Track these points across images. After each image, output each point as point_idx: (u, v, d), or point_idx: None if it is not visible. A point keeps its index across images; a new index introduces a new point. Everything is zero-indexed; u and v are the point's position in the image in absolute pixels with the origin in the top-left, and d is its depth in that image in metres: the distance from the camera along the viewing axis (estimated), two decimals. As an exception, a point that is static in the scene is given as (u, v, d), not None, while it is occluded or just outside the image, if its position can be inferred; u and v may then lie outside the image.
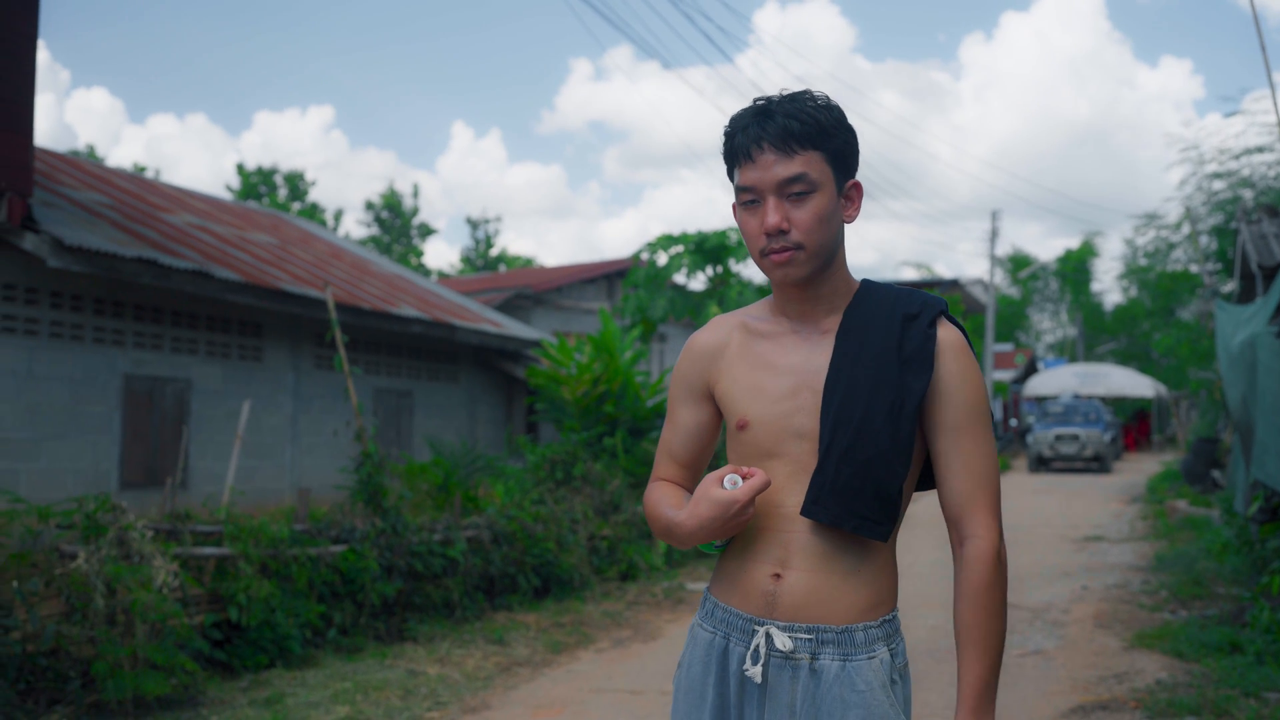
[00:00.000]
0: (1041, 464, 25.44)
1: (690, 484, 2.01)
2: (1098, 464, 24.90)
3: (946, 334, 1.84)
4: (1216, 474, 14.96)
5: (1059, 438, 24.95)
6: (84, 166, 13.57)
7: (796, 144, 1.77)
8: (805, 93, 1.82)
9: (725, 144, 1.87)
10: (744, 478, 1.77)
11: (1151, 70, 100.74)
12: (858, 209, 1.86)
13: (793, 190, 1.78)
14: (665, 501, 1.92)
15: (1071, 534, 12.49)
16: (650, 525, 1.96)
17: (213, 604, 5.92)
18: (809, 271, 1.81)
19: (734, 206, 1.89)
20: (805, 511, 1.79)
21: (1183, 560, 9.39)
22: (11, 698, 4.60)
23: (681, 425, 2.00)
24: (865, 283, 1.91)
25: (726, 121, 1.88)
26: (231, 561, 6.03)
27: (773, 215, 1.78)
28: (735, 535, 1.87)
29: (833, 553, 1.79)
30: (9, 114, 7.98)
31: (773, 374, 1.87)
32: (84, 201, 10.82)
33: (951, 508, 1.81)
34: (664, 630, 7.37)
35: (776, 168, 1.77)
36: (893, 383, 1.79)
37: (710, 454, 2.04)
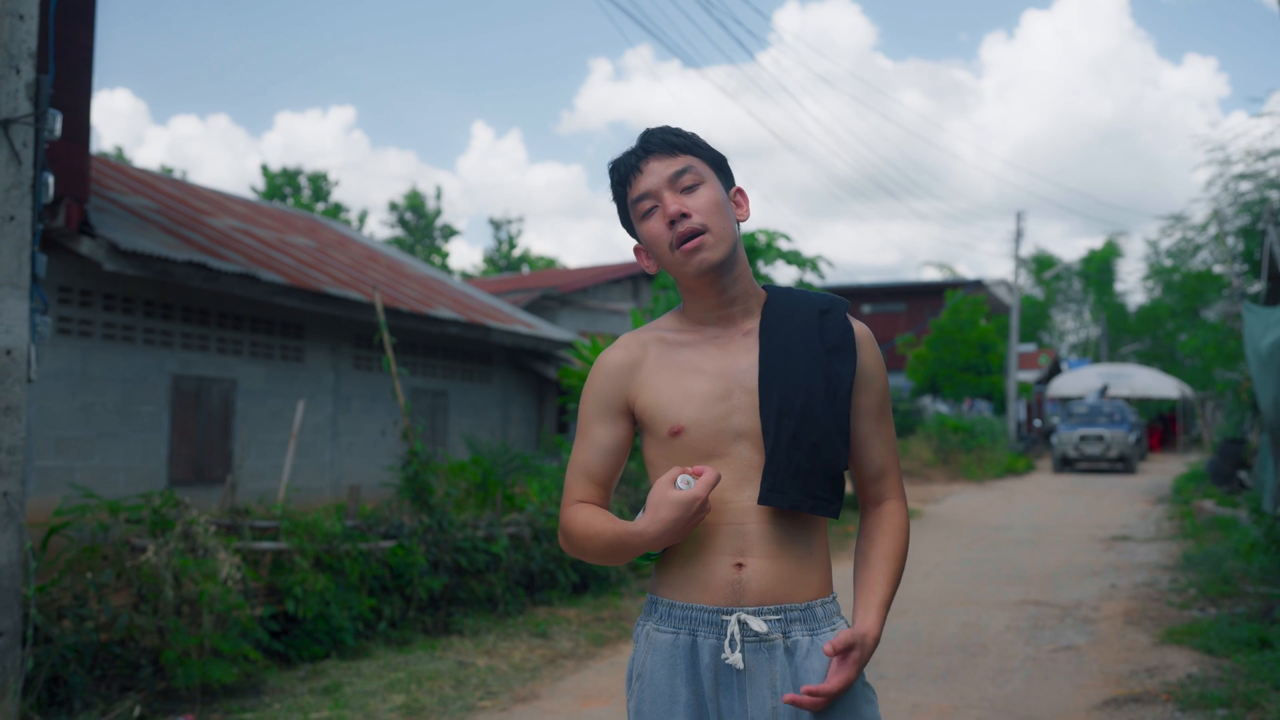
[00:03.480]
0: (1066, 464, 25.43)
1: (605, 504, 2.01)
2: (1122, 465, 24.89)
3: (859, 327, 2.01)
4: (1243, 475, 14.95)
5: (1084, 438, 24.93)
6: (128, 171, 13.88)
7: (677, 149, 1.96)
8: (674, 125, 2.03)
9: (613, 177, 2.02)
10: (694, 475, 1.81)
11: (1175, 68, 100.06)
12: (747, 211, 2.03)
13: (684, 183, 1.93)
14: (600, 519, 1.92)
15: (1098, 534, 12.58)
16: (580, 546, 1.95)
17: (269, 596, 6.14)
18: (720, 256, 1.91)
19: (636, 250, 2.05)
20: (764, 500, 1.87)
21: (1211, 559, 9.48)
22: (88, 683, 4.83)
23: (597, 443, 2.00)
24: (771, 287, 2.05)
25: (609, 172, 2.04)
26: (288, 556, 6.25)
27: (672, 204, 1.91)
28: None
29: (787, 539, 1.90)
30: (68, 123, 8.23)
31: (701, 378, 1.93)
32: (132, 206, 11.10)
33: (871, 478, 2.01)
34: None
35: (663, 168, 1.94)
36: (824, 370, 1.92)
37: (620, 472, 2.08)
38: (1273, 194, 14.72)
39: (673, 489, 1.79)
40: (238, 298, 10.80)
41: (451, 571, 7.31)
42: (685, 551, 1.93)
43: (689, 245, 1.91)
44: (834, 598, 1.98)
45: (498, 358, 15.56)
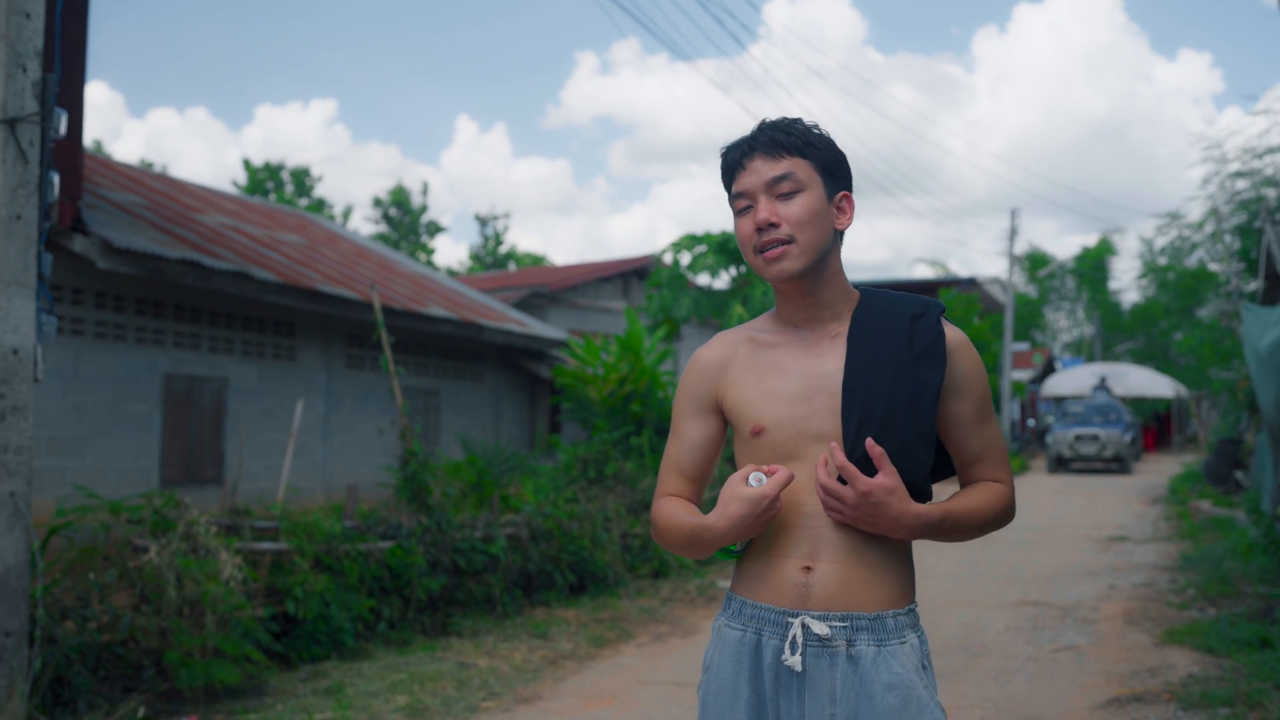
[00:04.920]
0: (1061, 464, 25.37)
1: (696, 497, 2.05)
2: (1118, 464, 24.82)
3: (953, 333, 1.96)
4: (1239, 475, 14.96)
5: (1079, 438, 24.86)
6: (116, 167, 13.79)
7: (784, 150, 1.93)
8: (796, 118, 2.00)
9: (722, 164, 2.01)
10: (766, 474, 1.84)
11: (1169, 64, 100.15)
12: (849, 218, 1.99)
13: (781, 189, 1.91)
14: (681, 512, 1.97)
15: (1095, 534, 12.61)
16: (665, 537, 2.00)
17: (269, 597, 6.10)
18: (800, 267, 1.91)
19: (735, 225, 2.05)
20: (825, 505, 1.88)
21: (1209, 560, 9.52)
22: (92, 684, 4.79)
23: (688, 439, 2.05)
24: (865, 290, 2.03)
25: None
26: (288, 556, 6.21)
27: (763, 211, 1.90)
28: (758, 538, 1.95)
29: (861, 545, 1.88)
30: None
31: (785, 379, 1.95)
32: (123, 203, 11.03)
33: (973, 474, 2.01)
34: (700, 626, 7.54)
35: (764, 170, 1.92)
36: (909, 377, 1.89)
37: (714, 467, 2.09)
38: (1269, 192, 14.77)
39: (743, 485, 1.83)
40: (230, 296, 10.74)
41: (450, 572, 7.28)
42: (759, 551, 1.95)
43: (770, 254, 1.92)
44: (910, 610, 1.93)
45: (490, 356, 15.52)
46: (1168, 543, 11.78)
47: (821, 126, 1.99)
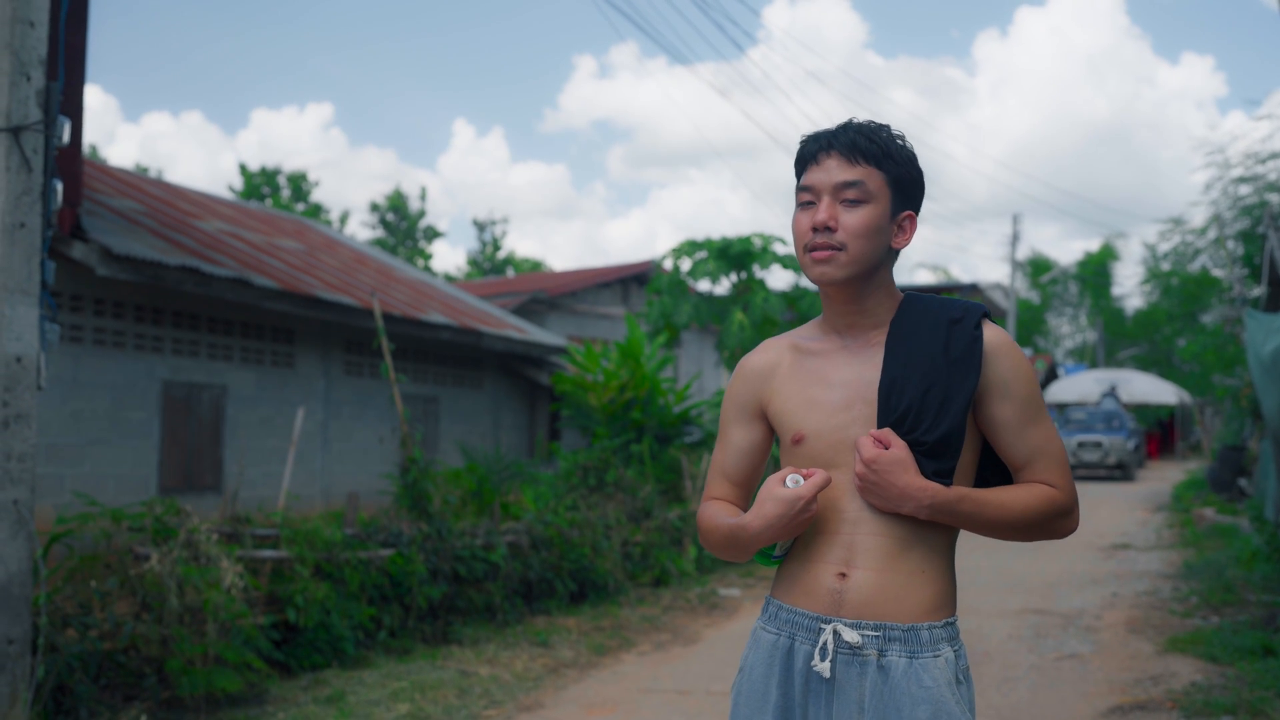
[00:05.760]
0: None
1: (742, 502, 2.08)
2: (1121, 472, 24.64)
3: (993, 335, 1.93)
4: (1243, 482, 14.88)
5: (1081, 445, 24.67)
6: (113, 173, 13.76)
7: (861, 156, 1.92)
8: (884, 125, 1.98)
9: (798, 151, 2.00)
10: (804, 477, 1.85)
11: (1172, 67, 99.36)
12: (908, 239, 1.96)
13: (847, 195, 1.90)
14: (723, 514, 2.01)
15: (1098, 542, 12.58)
16: (707, 539, 2.04)
17: (270, 605, 6.09)
18: (845, 275, 1.90)
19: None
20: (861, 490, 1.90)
21: (1212, 568, 9.51)
22: (94, 693, 4.77)
23: (734, 445, 2.09)
24: (908, 295, 2.02)
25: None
26: (288, 564, 6.20)
27: (823, 212, 1.90)
28: (796, 543, 1.97)
29: (897, 552, 1.87)
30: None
31: (826, 388, 1.96)
32: (121, 209, 11.01)
33: (1023, 475, 1.96)
34: (702, 634, 7.52)
35: (836, 171, 1.91)
36: (942, 383, 1.88)
37: (761, 473, 2.11)
38: (1272, 197, 14.68)
39: (780, 486, 1.85)
40: (229, 303, 10.72)
41: (450, 580, 7.27)
42: (796, 555, 1.97)
43: (818, 255, 1.92)
44: (947, 623, 1.91)
45: (489, 363, 15.50)
46: (1171, 550, 11.76)
47: (907, 139, 1.97)
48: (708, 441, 12.39)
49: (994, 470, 2.02)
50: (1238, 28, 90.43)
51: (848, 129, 1.95)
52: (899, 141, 1.96)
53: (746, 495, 2.09)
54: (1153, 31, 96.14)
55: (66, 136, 4.14)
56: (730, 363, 14.40)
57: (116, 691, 4.99)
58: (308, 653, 6.12)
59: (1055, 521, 1.96)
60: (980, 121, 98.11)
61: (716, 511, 2.03)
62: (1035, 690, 5.82)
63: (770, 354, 2.07)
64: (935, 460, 1.88)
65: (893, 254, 1.97)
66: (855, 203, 1.91)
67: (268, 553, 6.12)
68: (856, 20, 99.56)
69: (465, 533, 7.60)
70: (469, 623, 7.29)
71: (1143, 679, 6.02)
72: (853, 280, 1.93)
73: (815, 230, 1.91)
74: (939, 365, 1.90)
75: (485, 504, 9.61)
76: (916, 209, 1.99)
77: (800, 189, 1.97)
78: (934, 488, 1.86)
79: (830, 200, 1.91)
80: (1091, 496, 19.89)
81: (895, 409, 1.89)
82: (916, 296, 2.02)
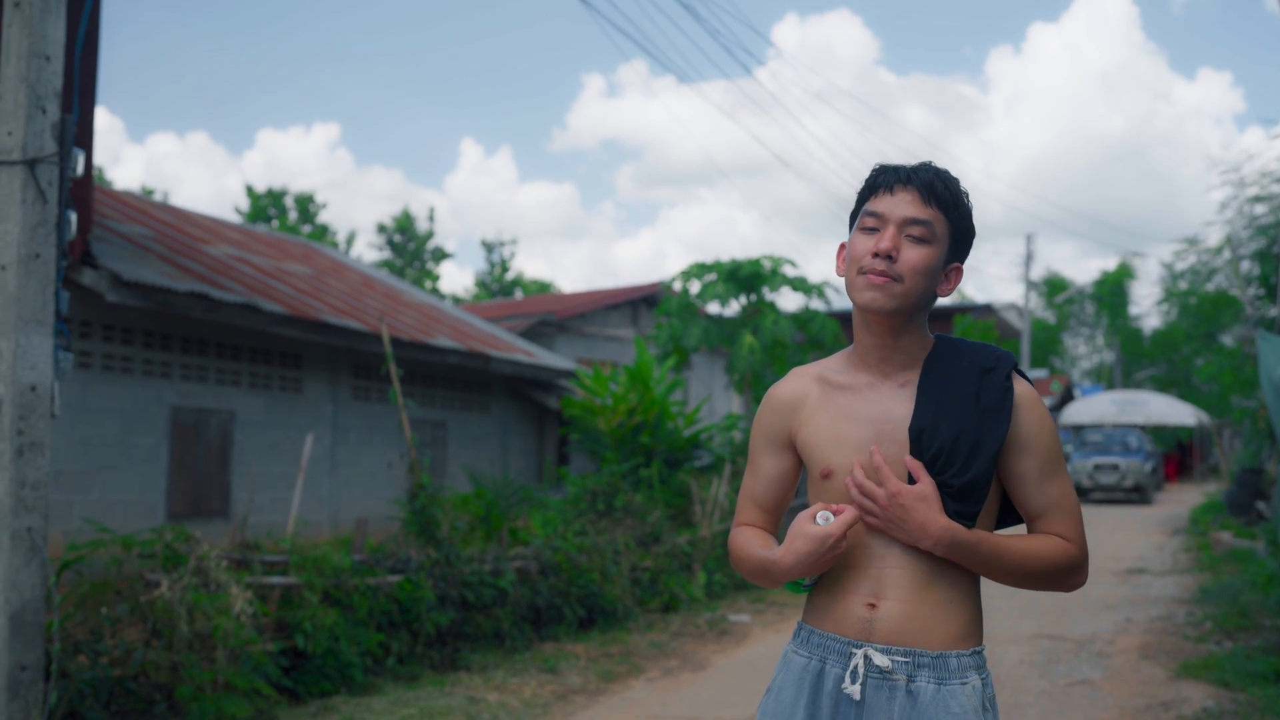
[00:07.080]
0: (1080, 494, 25.00)
1: (772, 528, 2.14)
2: (1138, 494, 24.42)
3: (1022, 389, 1.99)
4: (1261, 505, 14.76)
5: (1098, 467, 24.50)
6: (121, 197, 13.86)
7: (935, 199, 1.96)
8: (956, 177, 2.03)
9: (869, 179, 2.03)
10: (834, 514, 1.90)
11: (1189, 83, 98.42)
12: (952, 288, 2.03)
13: (913, 232, 1.94)
14: (755, 543, 2.05)
15: (1113, 566, 12.51)
16: (739, 566, 2.10)
17: (278, 631, 6.09)
18: (891, 307, 1.93)
19: (841, 246, 2.07)
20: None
21: (1227, 592, 9.45)
22: (104, 718, 4.78)
23: (763, 473, 2.14)
24: (940, 338, 2.05)
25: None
26: (297, 590, 6.20)
27: (888, 240, 1.92)
28: (825, 575, 2.01)
29: (926, 584, 1.92)
30: (73, 154, 8.23)
31: (855, 424, 1.99)
32: (130, 235, 11.08)
33: (1038, 526, 2.00)
34: (711, 660, 7.50)
35: (909, 207, 1.94)
36: (972, 431, 1.93)
37: (790, 500, 2.17)
38: (1287, 217, 14.52)
39: (811, 524, 1.90)
40: (237, 328, 10.77)
41: (459, 606, 7.26)
42: (826, 586, 2.02)
43: (873, 279, 1.94)
44: (975, 652, 1.96)
45: (497, 387, 15.52)
46: (1187, 575, 11.69)
47: (971, 196, 2.03)
48: (718, 466, 12.38)
49: (1012, 514, 2.08)
50: (1255, 42, 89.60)
51: (927, 169, 1.99)
52: (966, 196, 2.02)
53: (776, 520, 2.15)
54: (1169, 47, 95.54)
55: (81, 168, 4.19)
56: (740, 386, 14.41)
57: (127, 717, 4.99)
58: (316, 679, 6.12)
59: (1067, 576, 2.01)
60: (994, 139, 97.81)
61: (748, 539, 2.09)
62: (1045, 716, 5.79)
63: (799, 384, 2.11)
64: (959, 503, 1.93)
65: (933, 299, 2.01)
66: (920, 241, 1.95)
67: (277, 579, 6.12)
68: (868, 37, 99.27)
69: (473, 559, 7.59)
70: (477, 649, 7.28)
71: (1153, 704, 5.99)
72: (898, 313, 1.96)
73: (876, 255, 1.94)
74: (970, 412, 1.95)
75: (493, 529, 9.60)
76: (963, 262, 2.04)
77: (867, 213, 1.99)
78: (955, 527, 1.90)
79: (896, 231, 1.94)
80: (1108, 520, 19.76)
81: (927, 450, 1.94)
82: (949, 340, 2.06)
